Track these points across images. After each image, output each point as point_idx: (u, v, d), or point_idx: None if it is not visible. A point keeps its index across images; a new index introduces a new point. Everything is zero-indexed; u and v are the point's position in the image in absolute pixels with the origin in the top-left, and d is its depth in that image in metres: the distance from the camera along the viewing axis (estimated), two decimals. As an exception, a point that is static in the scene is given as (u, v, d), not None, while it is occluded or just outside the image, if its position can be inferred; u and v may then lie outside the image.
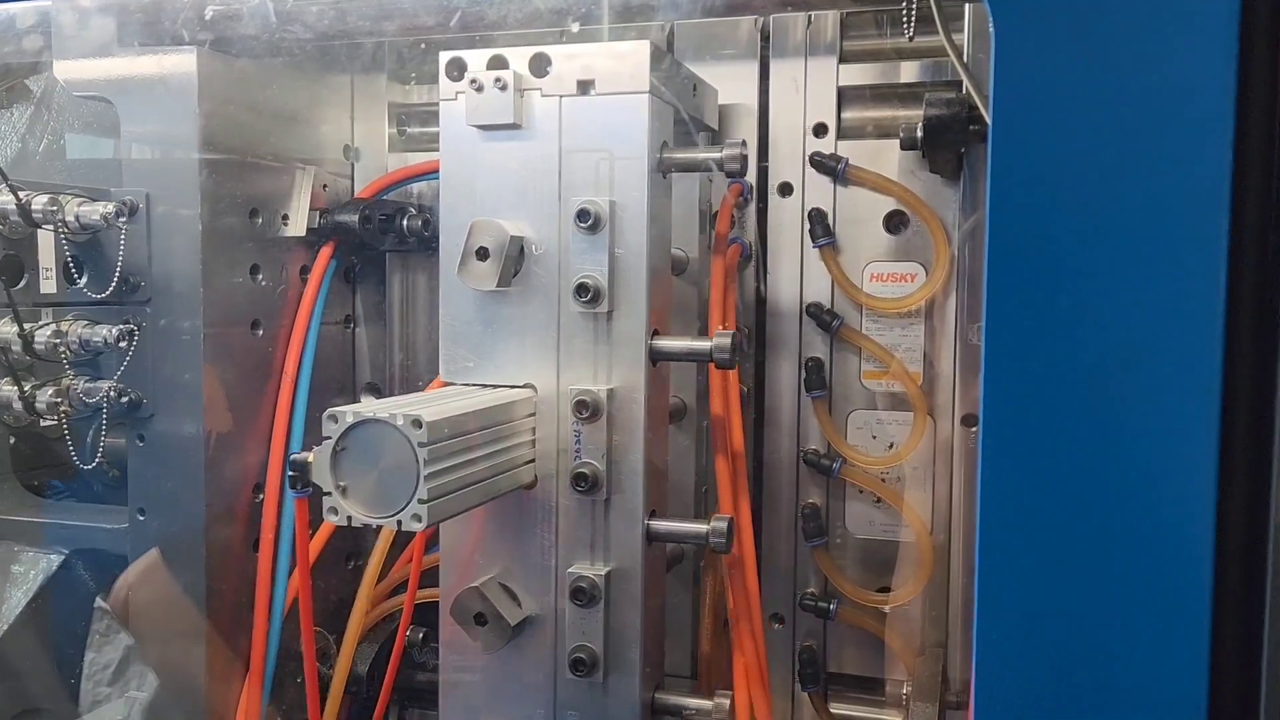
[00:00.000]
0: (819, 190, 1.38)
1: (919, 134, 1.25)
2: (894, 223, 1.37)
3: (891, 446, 1.38)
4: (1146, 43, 0.74)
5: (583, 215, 1.06)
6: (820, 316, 1.38)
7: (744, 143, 1.10)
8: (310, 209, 1.41)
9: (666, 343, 1.09)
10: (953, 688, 1.35)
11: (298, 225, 1.41)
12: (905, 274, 1.37)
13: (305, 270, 1.44)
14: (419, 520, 0.91)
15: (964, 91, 1.23)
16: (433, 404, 0.99)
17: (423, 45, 1.34)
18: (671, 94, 1.10)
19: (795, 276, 1.40)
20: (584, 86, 1.07)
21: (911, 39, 1.27)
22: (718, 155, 1.09)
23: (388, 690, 1.39)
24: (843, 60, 1.38)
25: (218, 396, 1.32)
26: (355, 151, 1.54)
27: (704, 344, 1.08)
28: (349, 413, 0.93)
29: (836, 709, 1.43)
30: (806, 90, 1.39)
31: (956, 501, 1.36)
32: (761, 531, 1.42)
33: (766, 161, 1.40)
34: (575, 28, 1.12)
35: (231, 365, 1.34)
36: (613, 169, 1.07)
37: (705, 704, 1.13)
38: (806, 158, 1.38)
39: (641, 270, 1.07)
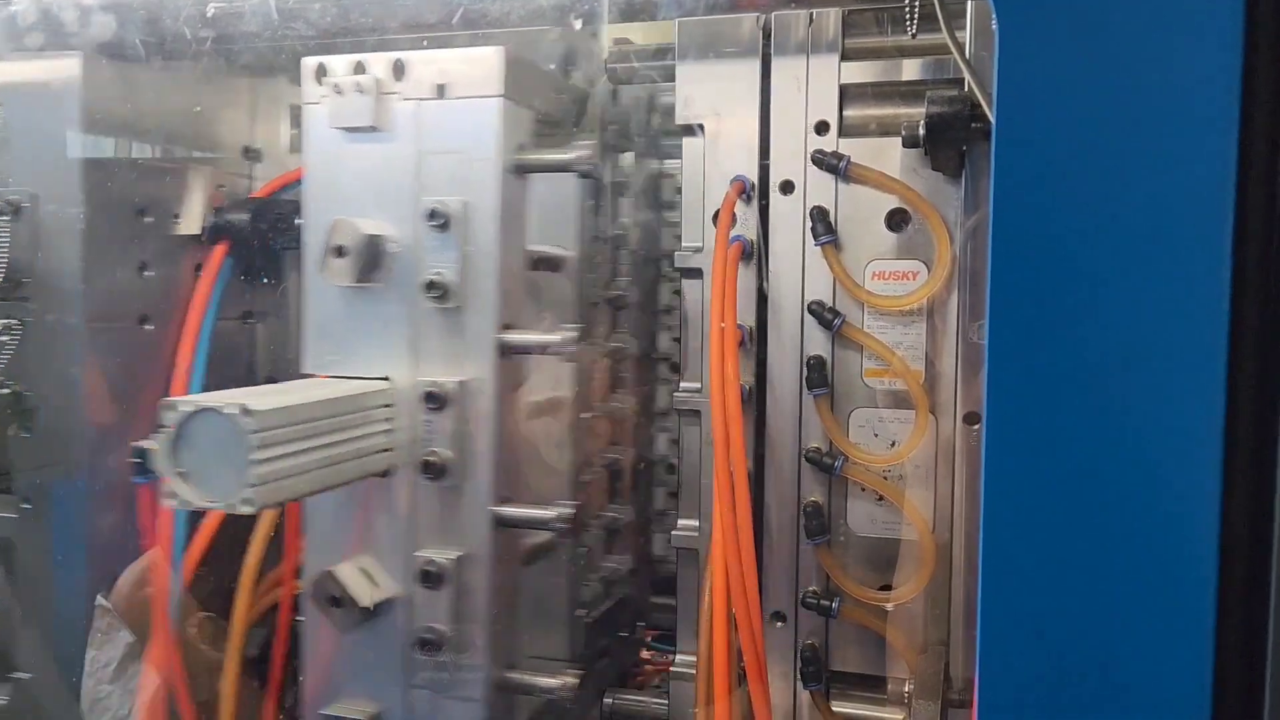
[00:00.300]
0: (821, 188, 1.38)
1: (921, 131, 1.25)
2: (896, 220, 1.37)
3: (893, 444, 1.38)
4: (1151, 39, 0.74)
5: (432, 215, 1.11)
6: (822, 314, 1.38)
7: (594, 145, 1.16)
8: (206, 209, 1.49)
9: (515, 337, 1.14)
10: (955, 686, 1.35)
11: (190, 224, 1.48)
12: (907, 272, 1.37)
13: (201, 268, 1.49)
14: (249, 504, 0.96)
15: (966, 89, 1.23)
16: (272, 395, 1.05)
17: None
18: (534, 98, 1.16)
19: (797, 274, 1.40)
20: (440, 90, 1.12)
21: (914, 36, 1.27)
22: (568, 157, 1.14)
23: (278, 672, 1.44)
24: (844, 58, 1.37)
25: (100, 389, 1.38)
26: (256, 153, 1.61)
27: (552, 338, 1.15)
28: (184, 402, 0.98)
29: (838, 707, 1.43)
30: (808, 88, 1.38)
31: (959, 499, 1.36)
32: (763, 530, 1.42)
33: (768, 159, 1.40)
34: (578, 25, 1.12)
35: (118, 359, 1.41)
36: (468, 170, 1.12)
37: (553, 682, 1.19)
38: (808, 155, 1.38)
39: (492, 268, 1.12)
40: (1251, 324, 0.74)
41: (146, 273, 1.44)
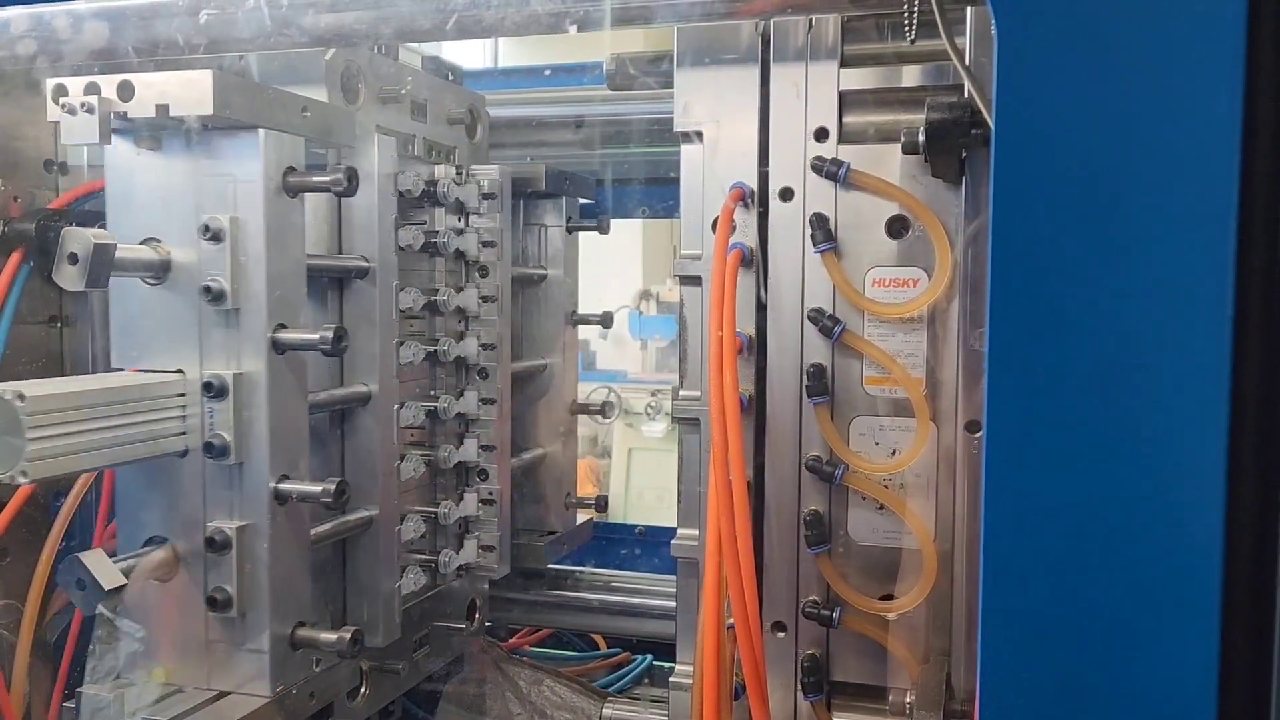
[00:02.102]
0: (820, 195, 1.38)
1: (921, 138, 1.25)
2: (896, 227, 1.36)
3: (894, 453, 1.37)
4: (1152, 45, 0.74)
5: (204, 229, 1.28)
6: (822, 322, 1.37)
7: (347, 168, 1.32)
8: (2, 219, 1.62)
9: (286, 335, 1.31)
10: (958, 696, 1.34)
11: None
12: (907, 279, 1.36)
13: (-1, 276, 1.61)
14: (25, 475, 1.12)
15: (966, 95, 1.23)
16: (55, 384, 1.23)
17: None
18: (262, 116, 1.28)
19: (796, 282, 1.39)
20: (161, 110, 1.23)
21: (913, 42, 1.26)
22: (323, 179, 1.32)
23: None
24: (844, 64, 1.37)
25: None
26: (61, 166, 1.74)
27: (313, 335, 1.31)
28: None
29: (840, 718, 1.42)
30: (807, 94, 1.38)
31: (960, 508, 1.35)
32: (763, 538, 1.41)
33: (767, 166, 1.40)
34: (573, 29, 1.12)
35: None
36: (236, 191, 1.29)
37: (330, 636, 1.36)
38: (807, 162, 1.37)
39: (261, 275, 1.29)
40: (1256, 331, 0.73)
41: None
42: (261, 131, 1.28)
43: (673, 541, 1.47)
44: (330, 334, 1.30)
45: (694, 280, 1.43)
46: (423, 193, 1.57)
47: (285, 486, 1.33)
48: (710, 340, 1.27)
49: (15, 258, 1.60)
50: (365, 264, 1.50)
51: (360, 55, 1.51)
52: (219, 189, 1.29)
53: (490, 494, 1.74)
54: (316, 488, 1.33)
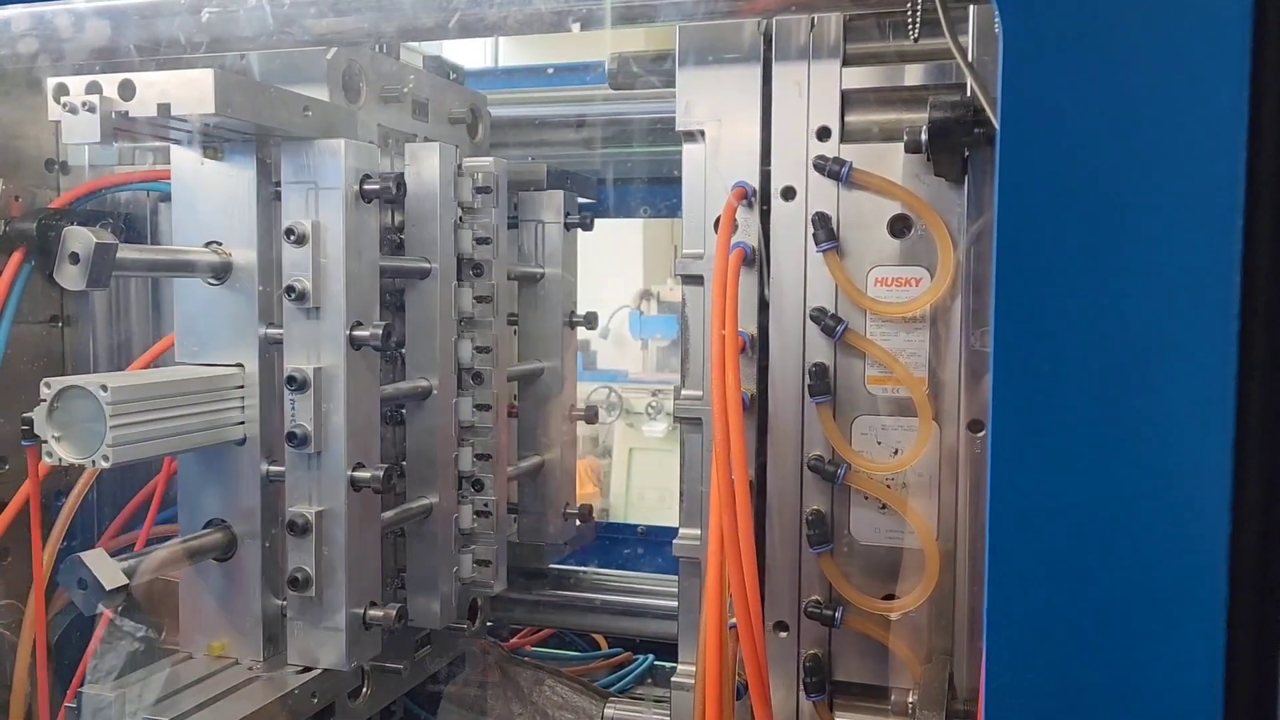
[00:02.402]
0: (822, 194, 1.37)
1: (924, 137, 1.24)
2: (898, 227, 1.36)
3: (897, 452, 1.37)
4: (1158, 42, 0.73)
5: (289, 233, 1.36)
6: (824, 321, 1.37)
7: (397, 175, 1.43)
8: (3, 218, 1.62)
9: (361, 332, 1.39)
10: (960, 696, 1.33)
11: None
12: (910, 278, 1.36)
13: None
14: (106, 460, 1.21)
15: (969, 94, 1.22)
16: (132, 377, 1.34)
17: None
18: (258, 114, 1.30)
19: (799, 281, 1.39)
20: (163, 109, 1.24)
21: (916, 40, 1.26)
22: (373, 187, 1.38)
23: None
24: (846, 63, 1.37)
25: None
26: (62, 165, 1.74)
27: (375, 331, 1.39)
28: (58, 381, 1.23)
29: (842, 718, 1.42)
30: (809, 93, 1.38)
31: (963, 507, 1.35)
32: (765, 538, 1.41)
33: (769, 165, 1.39)
34: (575, 27, 1.12)
35: None
36: (317, 197, 1.37)
37: (380, 613, 1.44)
38: (810, 161, 1.37)
39: (341, 276, 1.37)
40: (1262, 329, 0.73)
41: None
42: (343, 141, 1.36)
43: (674, 541, 1.47)
44: (379, 330, 1.39)
45: (696, 280, 1.43)
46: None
47: (360, 474, 1.39)
48: (712, 339, 1.27)
49: (16, 257, 1.61)
50: (427, 265, 1.57)
51: (362, 54, 1.52)
52: (301, 195, 1.37)
53: (486, 505, 1.65)
54: (377, 471, 1.40)
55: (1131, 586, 0.77)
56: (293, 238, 1.36)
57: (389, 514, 1.52)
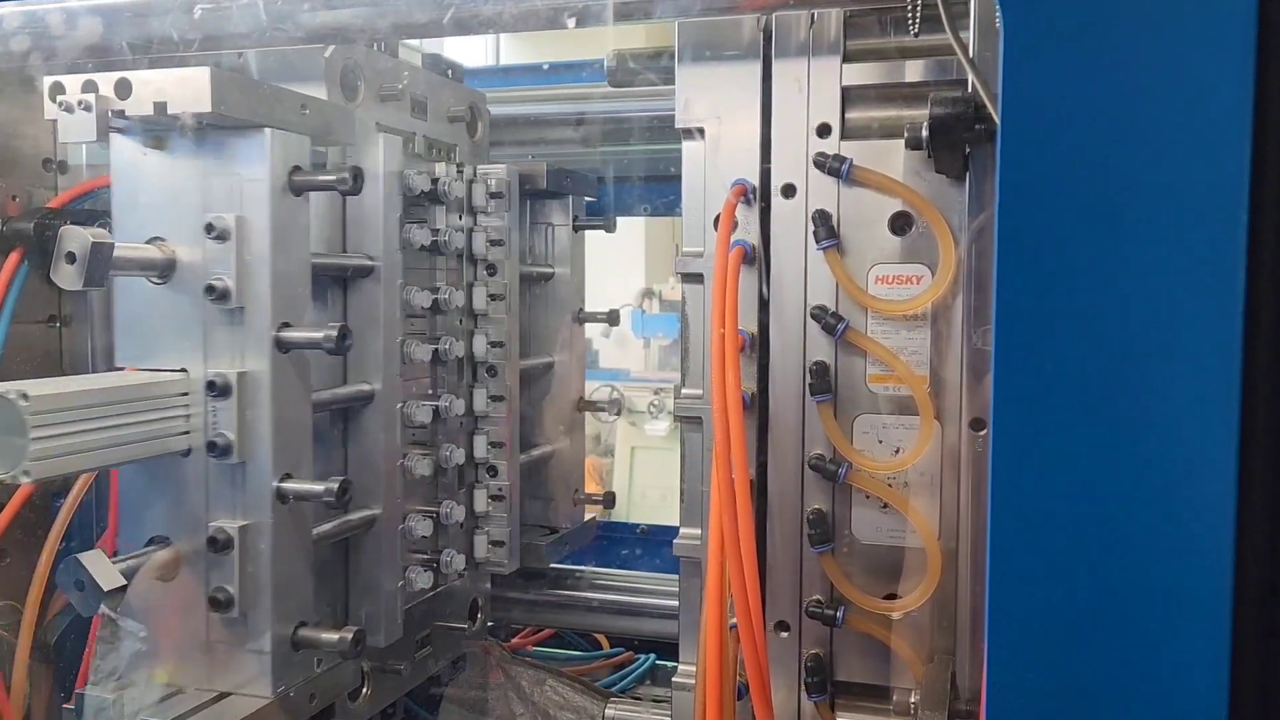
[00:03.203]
0: (823, 191, 1.37)
1: (924, 133, 1.24)
2: (899, 224, 1.35)
3: (898, 451, 1.37)
4: (1161, 36, 0.73)
5: (209, 228, 1.27)
6: (825, 319, 1.36)
7: (353, 167, 1.31)
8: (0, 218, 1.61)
9: (290, 334, 1.30)
10: (962, 696, 1.33)
11: None
12: (911, 276, 1.35)
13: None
14: (27, 475, 1.12)
15: (970, 89, 1.22)
16: (56, 383, 1.22)
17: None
18: (260, 113, 1.28)
19: (799, 279, 1.38)
20: (159, 108, 1.22)
21: (917, 35, 1.25)
22: (329, 178, 1.29)
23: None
24: (846, 59, 1.36)
25: None
26: (60, 164, 1.73)
27: (317, 334, 1.30)
28: None
29: (843, 718, 1.41)
30: (810, 90, 1.37)
31: (964, 506, 1.34)
32: (766, 538, 1.40)
33: (769, 163, 1.39)
34: (571, 23, 1.11)
35: None
36: (242, 190, 1.29)
37: (332, 636, 1.35)
38: (810, 158, 1.36)
39: (266, 274, 1.28)
40: (1267, 326, 0.72)
41: None
42: (268, 131, 1.27)
43: (675, 541, 1.46)
44: (335, 333, 1.29)
45: (696, 278, 1.42)
46: (423, 191, 1.56)
47: (288, 486, 1.32)
48: (712, 338, 1.26)
49: (14, 257, 1.60)
50: (370, 263, 1.49)
51: (359, 52, 1.50)
52: (225, 188, 1.29)
53: (500, 490, 1.75)
54: (319, 487, 1.32)
55: (1134, 586, 0.77)
56: (213, 233, 1.28)
57: (326, 526, 1.44)
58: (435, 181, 1.58)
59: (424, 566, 1.60)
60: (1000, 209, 0.77)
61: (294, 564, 1.36)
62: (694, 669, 1.40)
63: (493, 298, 1.71)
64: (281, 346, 1.31)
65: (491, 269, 1.72)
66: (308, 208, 1.36)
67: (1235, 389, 0.73)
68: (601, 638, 2.25)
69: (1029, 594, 0.79)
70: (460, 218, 1.67)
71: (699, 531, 1.42)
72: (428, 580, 1.60)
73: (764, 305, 1.40)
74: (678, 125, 1.41)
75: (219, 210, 1.28)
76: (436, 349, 1.61)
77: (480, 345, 1.72)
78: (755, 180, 1.39)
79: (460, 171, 1.66)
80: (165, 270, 1.31)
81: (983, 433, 1.31)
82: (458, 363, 1.70)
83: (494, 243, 1.70)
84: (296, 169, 1.32)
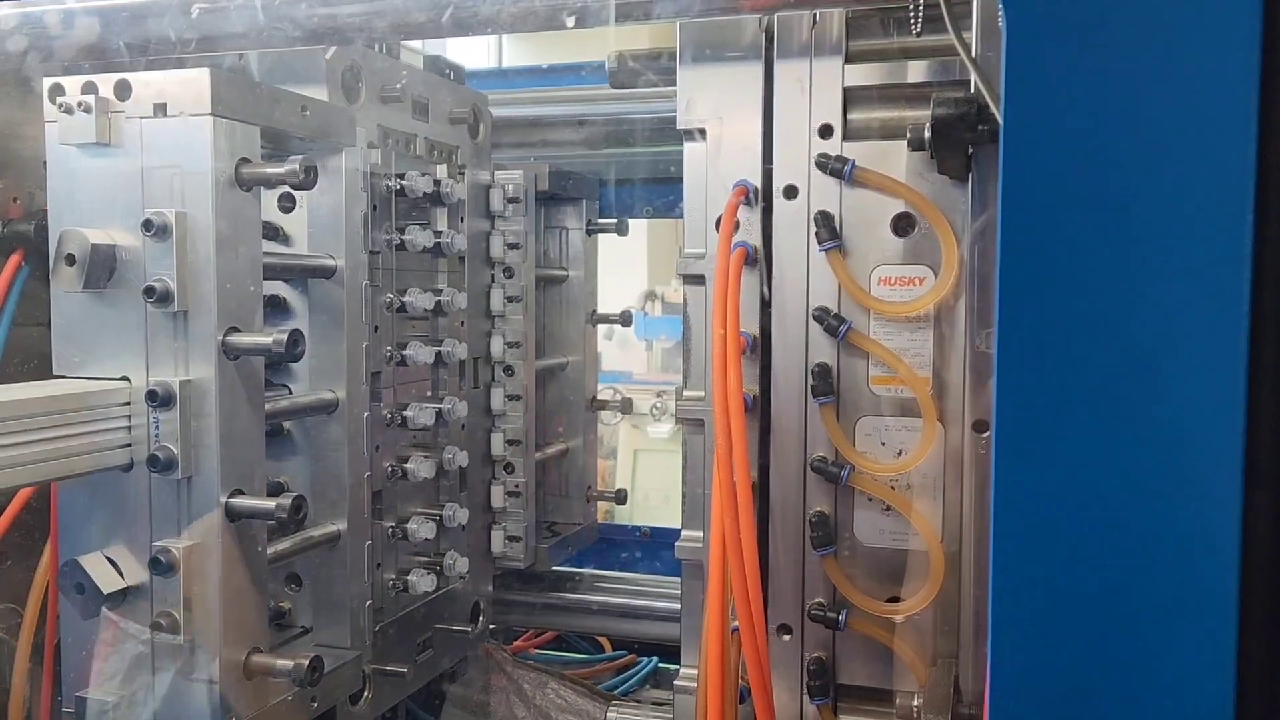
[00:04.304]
0: (825, 192, 1.36)
1: (927, 134, 1.23)
2: (902, 225, 1.35)
3: (901, 453, 1.36)
4: (1164, 35, 0.72)
5: (147, 225, 1.17)
6: (827, 321, 1.35)
7: (303, 159, 1.22)
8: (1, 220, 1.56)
9: (237, 339, 1.21)
10: (965, 699, 1.32)
11: None
12: (914, 277, 1.34)
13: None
14: None
15: (972, 90, 1.21)
16: None
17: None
18: (260, 113, 1.24)
19: (801, 280, 1.38)
20: (159, 109, 1.19)
21: (919, 34, 1.25)
22: (280, 170, 1.21)
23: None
24: (849, 60, 1.36)
25: None
26: None
27: (266, 340, 1.21)
28: None
29: (846, 722, 1.41)
30: (812, 91, 1.37)
31: (967, 508, 1.33)
32: (769, 540, 1.40)
33: (771, 164, 1.38)
34: (570, 23, 1.10)
35: None
36: (184, 184, 1.19)
37: (287, 663, 1.26)
38: (812, 159, 1.36)
39: (211, 274, 1.18)
40: (1272, 327, 0.71)
41: None
42: (210, 119, 1.18)
43: (677, 544, 1.46)
44: (284, 337, 1.20)
45: (698, 279, 1.42)
46: (425, 193, 1.55)
47: (237, 502, 1.23)
48: (714, 340, 1.26)
49: (15, 259, 1.58)
50: (331, 263, 1.41)
51: (361, 54, 1.48)
52: (165, 181, 1.20)
53: (517, 486, 1.80)
54: (270, 504, 1.23)
55: (1137, 589, 0.76)
56: (151, 230, 1.17)
57: (285, 544, 1.35)
58: (437, 184, 1.57)
59: (426, 569, 1.59)
60: (1003, 210, 0.77)
61: (245, 586, 1.26)
62: (696, 672, 1.40)
63: (510, 300, 1.77)
64: (229, 353, 1.21)
65: (509, 272, 1.77)
66: (258, 203, 1.27)
67: (1240, 390, 0.72)
68: (604, 640, 2.25)
69: (1031, 597, 0.79)
70: (462, 220, 1.66)
71: (701, 534, 1.42)
72: (430, 583, 1.58)
73: (766, 307, 1.40)
74: (679, 126, 1.41)
75: (159, 204, 1.19)
76: (439, 351, 1.59)
77: (498, 346, 1.77)
78: (757, 181, 1.38)
79: (462, 173, 1.66)
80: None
81: (986, 435, 1.31)
82: (460, 365, 1.70)
83: (511, 246, 1.75)
84: (244, 160, 1.22)
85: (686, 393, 1.44)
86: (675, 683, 1.46)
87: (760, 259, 1.38)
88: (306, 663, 1.26)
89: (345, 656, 1.44)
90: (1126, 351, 0.75)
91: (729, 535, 1.21)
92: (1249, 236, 0.71)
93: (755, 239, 1.38)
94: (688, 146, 1.42)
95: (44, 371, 1.66)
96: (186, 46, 1.22)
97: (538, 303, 1.90)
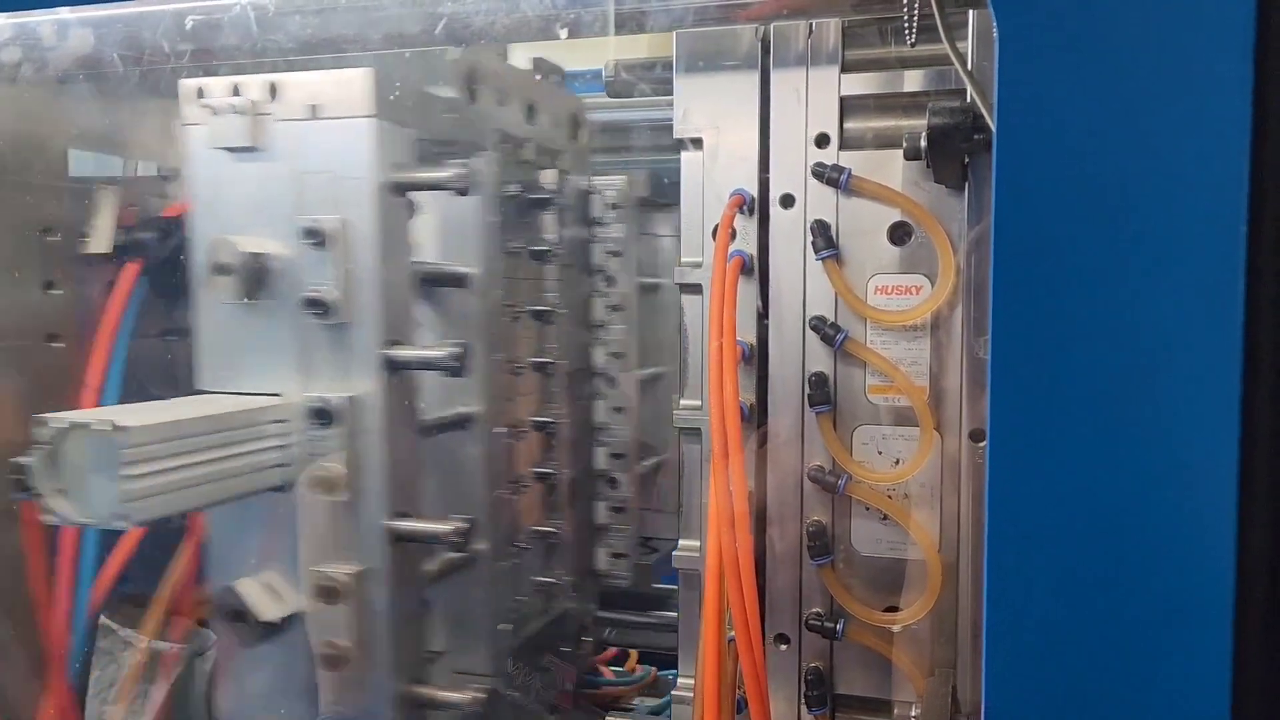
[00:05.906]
0: (821, 201, 1.36)
1: (923, 143, 1.23)
2: (898, 234, 1.34)
3: (898, 462, 1.36)
4: (1158, 45, 0.72)
5: (309, 233, 1.13)
6: (824, 330, 1.35)
7: (464, 164, 1.19)
8: (118, 227, 1.48)
9: (401, 352, 1.16)
10: (964, 709, 1.32)
11: (100, 243, 1.47)
12: (910, 286, 1.34)
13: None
14: (123, 520, 0.96)
15: (968, 99, 1.21)
16: (149, 411, 1.05)
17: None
18: (413, 116, 1.20)
19: (798, 289, 1.37)
20: (313, 111, 1.14)
21: (914, 44, 1.25)
22: (444, 175, 1.17)
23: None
24: (845, 69, 1.35)
25: (5, 406, 1.40)
26: (171, 172, 1.61)
27: (436, 353, 1.16)
28: (57, 419, 0.99)
29: (844, 732, 1.40)
30: (808, 100, 1.37)
31: (965, 518, 1.33)
32: (765, 550, 1.39)
33: (767, 173, 1.38)
34: (563, 34, 1.11)
35: (25, 377, 1.43)
36: (341, 189, 1.15)
37: (456, 696, 1.19)
38: (808, 169, 1.36)
39: (375, 284, 1.14)
40: (1268, 337, 0.71)
41: (53, 291, 1.46)
42: (372, 121, 1.13)
43: (674, 553, 1.46)
44: (459, 350, 1.15)
45: (694, 288, 1.41)
46: (534, 198, 1.51)
47: (404, 525, 1.17)
48: (710, 349, 1.25)
49: (132, 268, 1.47)
50: (466, 271, 1.39)
51: (480, 55, 1.40)
52: (320, 186, 1.16)
53: (621, 502, 1.74)
54: (445, 526, 1.17)
55: (1133, 599, 0.76)
56: (313, 238, 1.14)
57: (430, 567, 1.30)
58: (547, 189, 1.54)
59: (540, 590, 1.55)
60: (996, 218, 0.77)
61: (411, 612, 1.22)
62: (693, 682, 1.39)
63: (612, 309, 1.71)
64: (392, 366, 1.16)
65: (610, 280, 1.72)
66: (411, 210, 1.24)
67: (1235, 399, 0.72)
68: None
69: (1026, 607, 0.79)
70: (567, 226, 1.63)
71: (698, 543, 1.42)
72: (547, 605, 1.54)
73: (762, 316, 1.39)
74: (675, 135, 1.41)
75: (313, 212, 1.15)
76: (548, 363, 1.55)
77: (600, 356, 1.71)
78: (753, 190, 1.38)
79: (565, 178, 1.62)
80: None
81: (982, 444, 1.31)
82: (568, 375, 1.65)
83: (612, 253, 1.70)
84: (403, 165, 1.19)
85: (683, 402, 1.44)
86: (672, 692, 1.46)
87: (757, 268, 1.38)
88: (485, 695, 1.21)
89: (485, 684, 1.37)
90: (1120, 359, 0.75)
91: (725, 545, 1.21)
92: (1242, 245, 0.71)
93: (752, 248, 1.38)
94: (684, 155, 1.42)
95: (165, 384, 1.60)
96: (181, 58, 1.22)
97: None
